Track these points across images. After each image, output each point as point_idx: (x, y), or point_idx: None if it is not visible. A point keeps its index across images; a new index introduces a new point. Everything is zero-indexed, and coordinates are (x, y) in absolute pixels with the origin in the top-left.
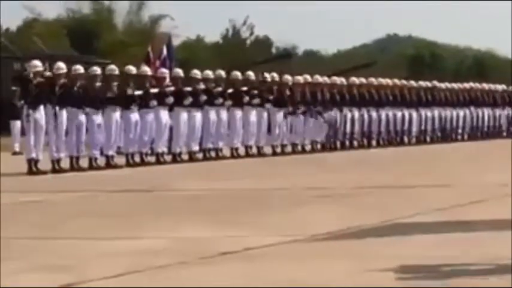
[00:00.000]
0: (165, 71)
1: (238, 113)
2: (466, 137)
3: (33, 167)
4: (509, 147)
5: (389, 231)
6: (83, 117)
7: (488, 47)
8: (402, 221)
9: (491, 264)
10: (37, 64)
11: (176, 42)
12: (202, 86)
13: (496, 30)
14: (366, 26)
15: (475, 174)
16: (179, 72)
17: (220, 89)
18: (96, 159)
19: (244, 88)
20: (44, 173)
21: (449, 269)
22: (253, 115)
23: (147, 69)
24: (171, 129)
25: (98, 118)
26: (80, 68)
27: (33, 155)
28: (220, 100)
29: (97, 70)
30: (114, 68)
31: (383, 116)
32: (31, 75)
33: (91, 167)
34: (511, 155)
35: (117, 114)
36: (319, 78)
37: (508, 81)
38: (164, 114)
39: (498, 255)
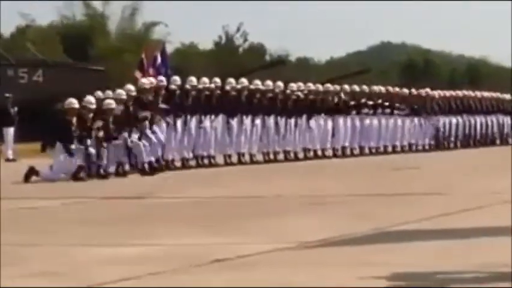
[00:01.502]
0: (163, 79)
1: (233, 121)
2: (458, 144)
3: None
4: (502, 155)
5: (381, 238)
6: None
7: (481, 54)
8: (394, 229)
9: (485, 272)
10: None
11: (169, 49)
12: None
13: (489, 38)
14: (360, 33)
15: (468, 182)
16: (177, 80)
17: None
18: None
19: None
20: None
21: (442, 276)
22: (247, 123)
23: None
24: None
25: None
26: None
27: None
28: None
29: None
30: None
31: (375, 124)
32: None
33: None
34: (511, 163)
35: None
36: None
37: (500, 88)
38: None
39: (492, 263)
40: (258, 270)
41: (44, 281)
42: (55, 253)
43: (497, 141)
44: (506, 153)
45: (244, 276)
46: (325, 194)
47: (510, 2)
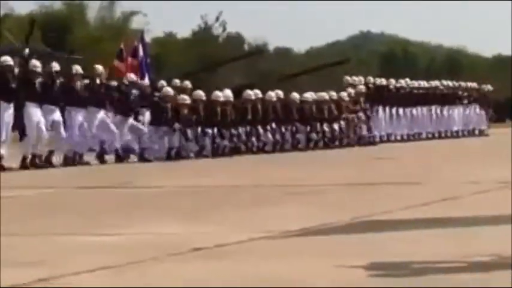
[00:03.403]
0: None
1: None
2: (436, 135)
3: None
4: (480, 145)
5: (360, 228)
6: (57, 115)
7: (460, 44)
8: (373, 218)
9: (463, 261)
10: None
11: (147, 38)
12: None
13: (469, 28)
14: (339, 23)
15: (446, 172)
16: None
17: None
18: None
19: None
20: (10, 168)
21: (421, 266)
22: None
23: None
24: None
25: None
26: (55, 66)
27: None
28: None
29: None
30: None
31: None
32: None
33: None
34: (489, 153)
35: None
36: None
37: (478, 78)
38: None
39: (473, 252)
40: (236, 259)
41: (19, 270)
42: (30, 242)
43: (476, 132)
44: (484, 143)
45: (223, 265)
46: (304, 184)
47: None
